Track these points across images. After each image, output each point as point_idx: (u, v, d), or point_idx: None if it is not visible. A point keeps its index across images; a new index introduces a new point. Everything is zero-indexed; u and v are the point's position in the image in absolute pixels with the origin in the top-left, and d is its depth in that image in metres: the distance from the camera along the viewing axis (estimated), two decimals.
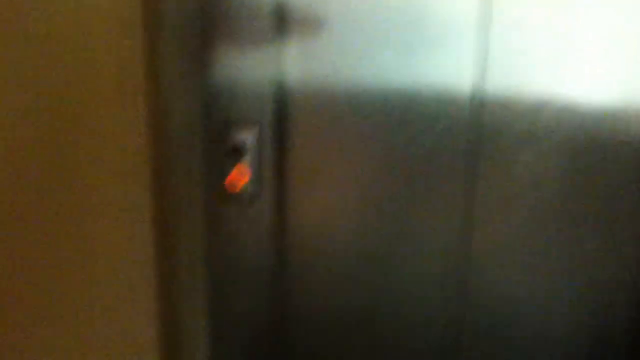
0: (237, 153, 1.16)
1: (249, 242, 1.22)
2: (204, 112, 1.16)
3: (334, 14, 1.10)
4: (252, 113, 1.14)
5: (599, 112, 1.09)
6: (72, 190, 1.10)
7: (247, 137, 1.14)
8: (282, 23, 1.12)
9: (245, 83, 1.13)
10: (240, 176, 1.16)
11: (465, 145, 1.13)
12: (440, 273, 1.19)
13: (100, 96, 1.06)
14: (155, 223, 1.18)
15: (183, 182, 1.20)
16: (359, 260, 1.21)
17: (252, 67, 1.13)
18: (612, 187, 1.13)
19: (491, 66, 1.09)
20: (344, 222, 1.19)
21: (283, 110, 1.15)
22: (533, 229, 1.15)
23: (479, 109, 1.11)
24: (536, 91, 1.09)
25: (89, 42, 1.03)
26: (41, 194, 1.10)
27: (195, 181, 1.19)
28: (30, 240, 1.13)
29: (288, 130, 1.15)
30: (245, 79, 1.13)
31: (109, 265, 1.16)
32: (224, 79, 1.14)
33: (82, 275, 1.17)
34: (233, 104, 1.14)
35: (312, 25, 1.13)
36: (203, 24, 1.14)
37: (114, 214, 1.13)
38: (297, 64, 1.13)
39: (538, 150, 1.12)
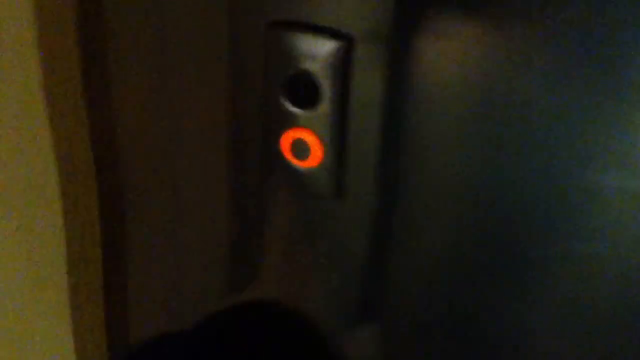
0: (302, 95, 0.58)
1: (335, 278, 0.63)
2: (230, 14, 0.58)
3: None
4: (336, 18, 0.56)
5: None
6: None
7: (322, 64, 0.57)
8: None
9: None
10: (310, 141, 0.59)
11: None
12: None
13: None
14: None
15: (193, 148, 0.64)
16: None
17: None
18: None
19: None
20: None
21: (402, 14, 0.55)
22: None
23: None
24: None
25: None
26: None
27: (219, 147, 0.63)
28: None
29: (410, 55, 0.57)
30: None
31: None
32: None
33: None
34: None
35: None
36: None
37: None
38: None
39: None
